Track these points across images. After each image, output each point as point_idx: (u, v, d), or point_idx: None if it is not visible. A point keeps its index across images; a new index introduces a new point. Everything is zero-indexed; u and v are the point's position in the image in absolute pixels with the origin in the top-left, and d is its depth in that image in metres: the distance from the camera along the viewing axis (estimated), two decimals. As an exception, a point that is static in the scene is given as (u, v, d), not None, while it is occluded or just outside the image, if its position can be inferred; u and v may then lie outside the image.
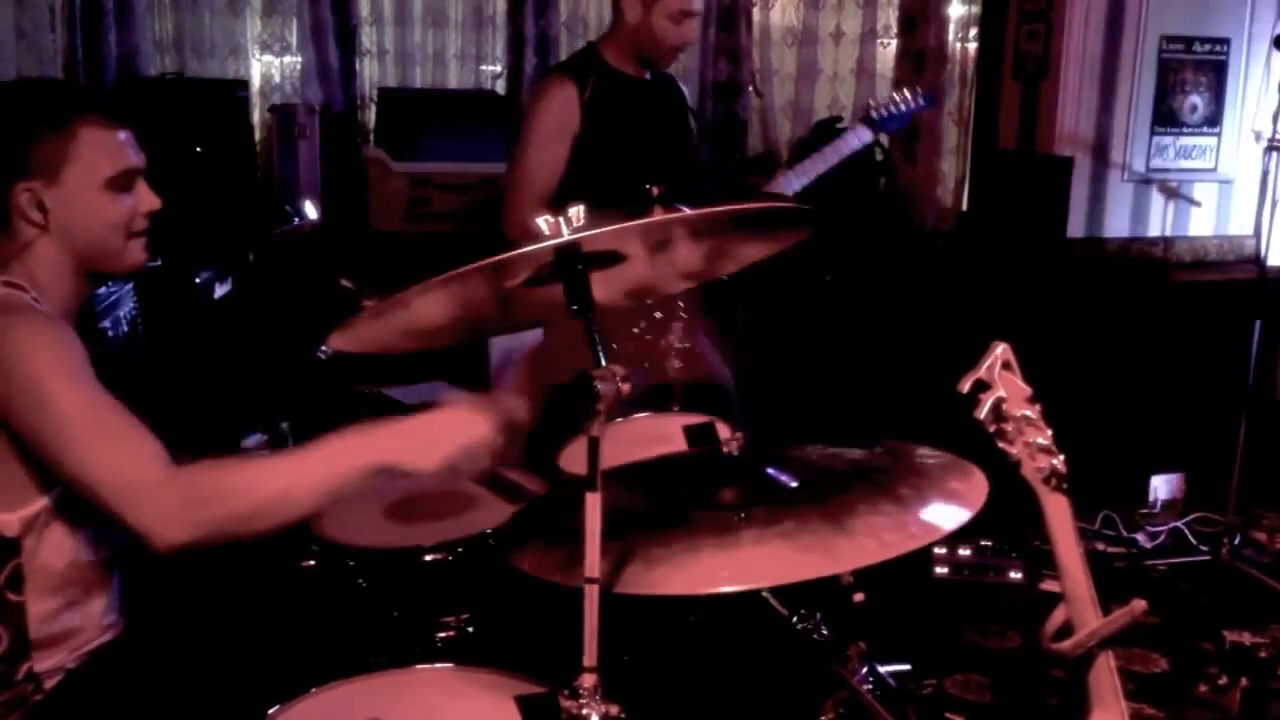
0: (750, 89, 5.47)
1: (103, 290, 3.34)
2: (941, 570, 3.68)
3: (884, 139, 5.33)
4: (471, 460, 1.58)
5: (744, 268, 1.67)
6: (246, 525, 1.56)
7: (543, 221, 1.34)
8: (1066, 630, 1.52)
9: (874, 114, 3.57)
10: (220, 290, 4.04)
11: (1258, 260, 4.17)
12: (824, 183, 3.44)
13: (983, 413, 1.50)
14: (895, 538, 1.46)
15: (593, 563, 1.33)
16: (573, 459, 2.14)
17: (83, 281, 1.80)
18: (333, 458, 1.58)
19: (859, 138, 3.52)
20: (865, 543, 1.46)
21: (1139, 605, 1.95)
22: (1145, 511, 4.32)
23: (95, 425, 1.58)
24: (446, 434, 1.57)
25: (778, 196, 3.36)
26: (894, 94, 3.65)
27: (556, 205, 3.26)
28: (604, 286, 1.45)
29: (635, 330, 2.61)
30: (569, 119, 3.17)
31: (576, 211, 1.35)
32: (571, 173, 3.17)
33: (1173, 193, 4.43)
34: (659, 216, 1.54)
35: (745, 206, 1.47)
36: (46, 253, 1.73)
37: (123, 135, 1.78)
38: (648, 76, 3.33)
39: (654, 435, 2.16)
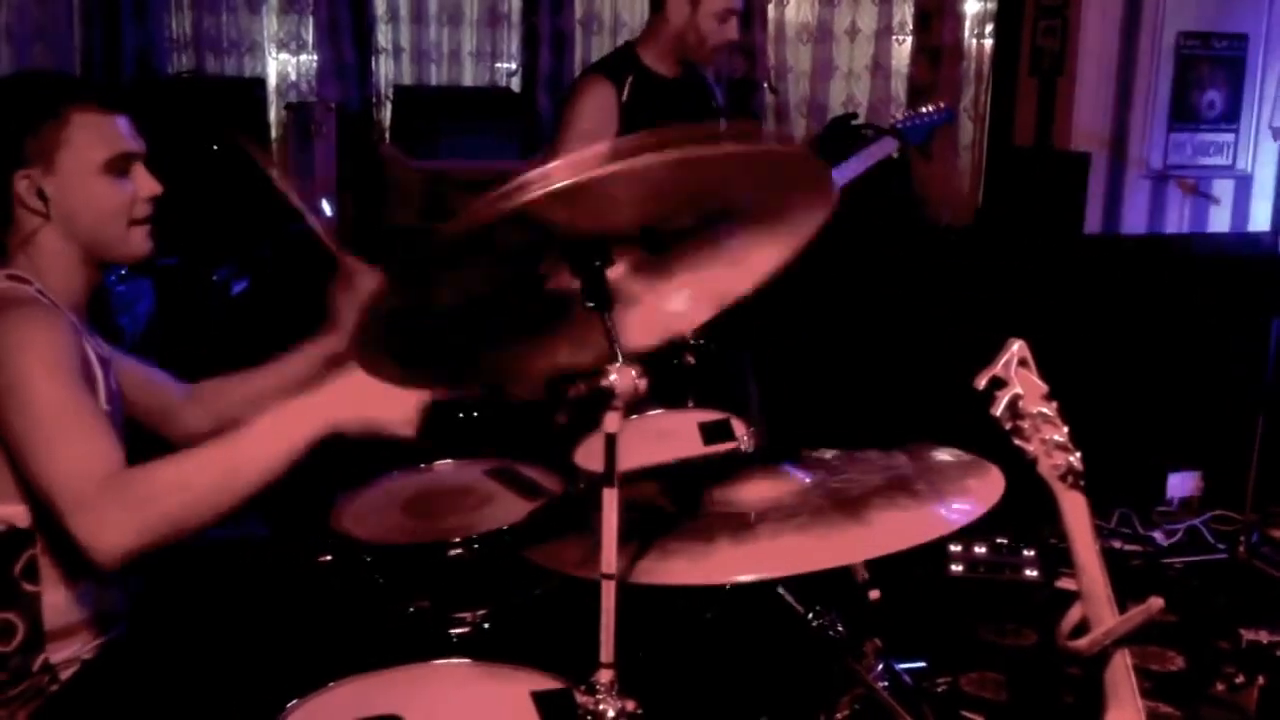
0: (765, 86, 5.47)
1: (123, 287, 3.36)
2: (957, 568, 3.67)
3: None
4: (398, 411, 1.62)
5: (760, 279, 1.57)
6: (191, 519, 1.56)
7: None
8: (1083, 628, 1.51)
9: (899, 125, 3.65)
10: (237, 287, 4.06)
11: (1276, 256, 4.15)
12: (847, 191, 3.46)
13: (999, 410, 1.50)
14: (911, 529, 1.45)
15: (610, 559, 1.33)
16: (588, 456, 2.14)
17: (90, 271, 1.80)
18: (270, 436, 1.60)
19: (883, 148, 3.57)
20: (880, 533, 1.46)
21: (1155, 603, 1.94)
22: (1162, 509, 4.30)
23: (54, 426, 1.57)
24: (370, 387, 1.55)
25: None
26: (918, 106, 3.75)
27: None
28: (636, 328, 1.43)
29: None
30: (607, 120, 3.14)
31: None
32: None
33: (1190, 189, 4.41)
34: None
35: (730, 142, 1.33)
36: (50, 242, 1.74)
37: (118, 121, 1.79)
38: (681, 76, 3.32)
39: (669, 432, 2.17)
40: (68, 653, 1.74)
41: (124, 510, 1.52)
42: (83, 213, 1.75)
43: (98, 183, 1.75)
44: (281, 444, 1.60)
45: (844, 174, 3.46)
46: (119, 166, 1.77)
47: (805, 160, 1.38)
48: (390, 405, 1.62)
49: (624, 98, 3.17)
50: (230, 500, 1.58)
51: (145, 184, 1.81)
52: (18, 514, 1.67)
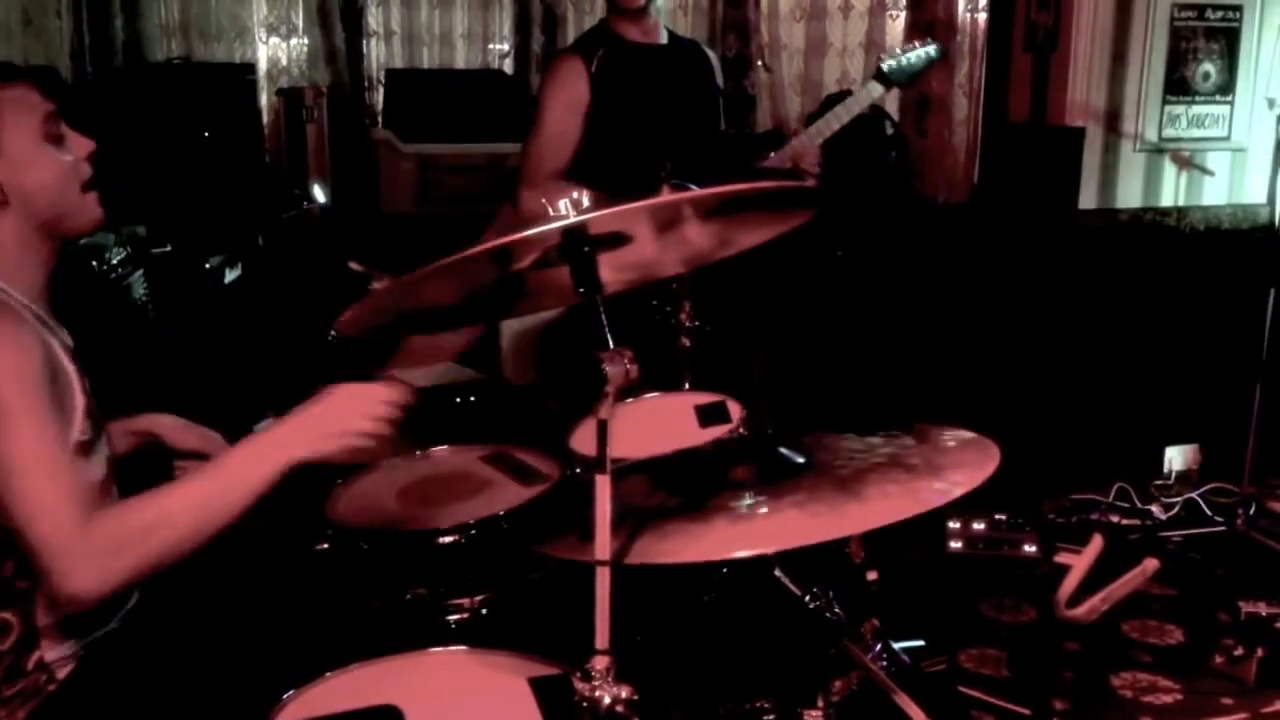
0: (759, 64, 5.44)
1: (114, 276, 3.35)
2: (955, 545, 3.68)
3: (895, 117, 5.32)
4: (367, 438, 1.64)
5: (754, 247, 1.66)
6: (169, 556, 1.58)
7: (562, 204, 1.34)
8: (1079, 598, 1.51)
9: (884, 66, 3.46)
10: (230, 275, 4.05)
11: (1272, 229, 4.14)
12: (838, 141, 3.41)
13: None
14: (906, 502, 1.45)
15: (603, 545, 1.33)
16: (584, 440, 2.14)
17: (49, 251, 1.77)
18: (241, 472, 1.63)
19: (870, 93, 3.45)
20: (876, 506, 1.45)
21: (1150, 564, 1.94)
22: (1160, 483, 4.31)
23: (20, 477, 1.55)
24: (338, 417, 1.64)
25: (785, 173, 3.34)
26: (903, 45, 3.54)
27: (573, 180, 3.25)
28: (611, 268, 1.45)
29: None
30: (577, 93, 3.18)
31: (581, 194, 1.34)
32: (586, 147, 3.18)
33: (1185, 162, 4.40)
34: (666, 197, 1.53)
35: (752, 186, 1.46)
36: (9, 228, 1.71)
37: (32, 88, 1.76)
38: (662, 42, 3.31)
39: (664, 415, 2.16)
40: (61, 650, 1.73)
41: (97, 559, 1.54)
42: (39, 188, 1.72)
43: (43, 154, 1.73)
44: (251, 481, 1.62)
45: (831, 125, 3.39)
46: (53, 133, 1.75)
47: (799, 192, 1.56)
48: (348, 422, 1.64)
49: (593, 69, 3.18)
50: (205, 536, 1.60)
51: (79, 143, 1.79)
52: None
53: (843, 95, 5.22)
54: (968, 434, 1.70)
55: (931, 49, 3.50)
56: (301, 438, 1.64)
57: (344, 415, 1.65)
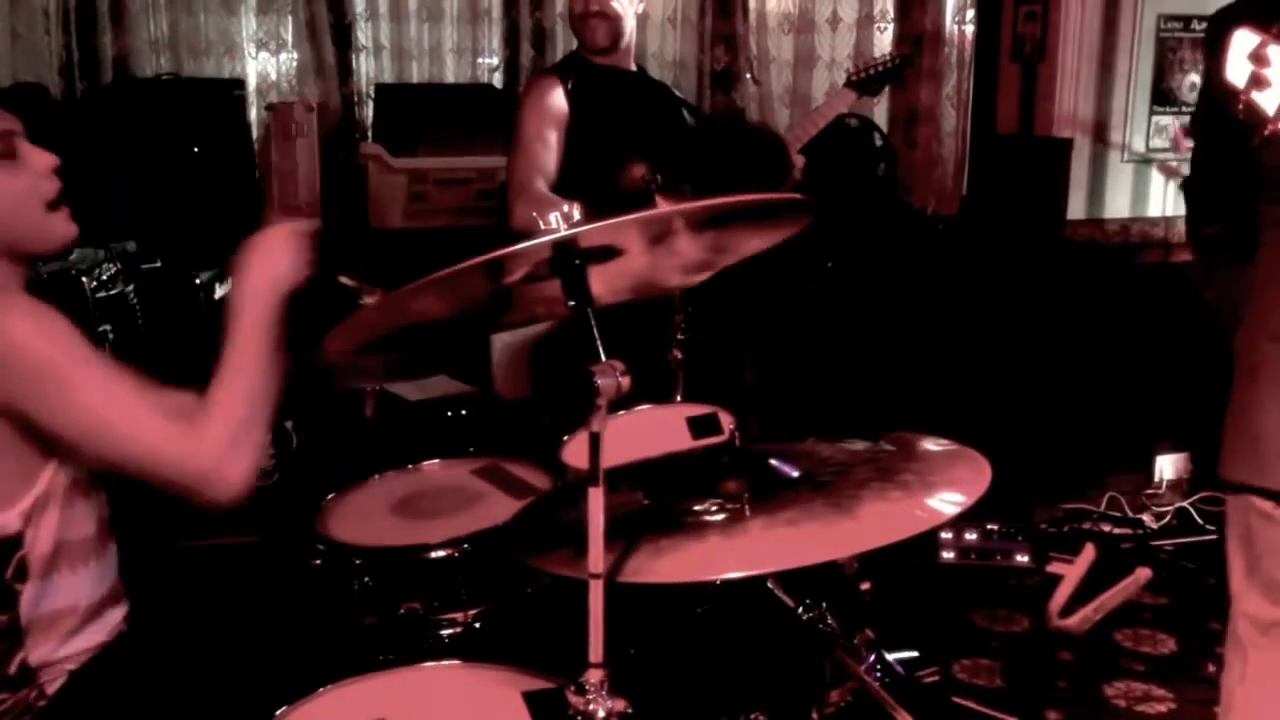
0: (748, 76, 5.45)
1: (103, 293, 3.34)
2: (948, 555, 3.68)
3: (881, 121, 5.33)
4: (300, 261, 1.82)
5: (744, 259, 1.67)
6: (267, 417, 1.72)
7: (552, 217, 1.35)
8: (1072, 607, 1.51)
9: (855, 77, 3.70)
10: (221, 290, 4.04)
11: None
12: (827, 153, 3.55)
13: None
14: (901, 522, 1.45)
15: (596, 558, 1.33)
16: (576, 453, 2.14)
17: (19, 270, 1.71)
18: (260, 328, 1.77)
19: (842, 100, 3.66)
20: (871, 527, 1.45)
21: (1143, 573, 1.92)
22: (1151, 492, 4.32)
23: (116, 417, 1.62)
24: (274, 261, 1.81)
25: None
26: (871, 57, 3.83)
27: (559, 195, 3.28)
28: (605, 281, 1.45)
29: None
30: (556, 108, 3.24)
31: (573, 208, 1.35)
32: (568, 162, 3.21)
33: (1173, 172, 4.42)
34: (658, 209, 1.53)
35: (741, 198, 1.46)
36: None
37: None
38: (633, 69, 3.41)
39: (656, 427, 2.16)
40: (45, 650, 1.71)
41: (230, 457, 1.65)
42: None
43: None
44: (268, 329, 1.77)
45: (805, 130, 3.54)
46: (5, 149, 1.67)
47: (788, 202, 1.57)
48: (282, 259, 1.81)
49: (570, 86, 3.26)
50: (271, 382, 1.74)
51: (38, 158, 1.71)
52: (8, 520, 1.65)
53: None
54: (954, 445, 1.70)
55: (897, 59, 3.79)
56: (266, 286, 1.79)
57: (278, 257, 1.81)
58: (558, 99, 3.24)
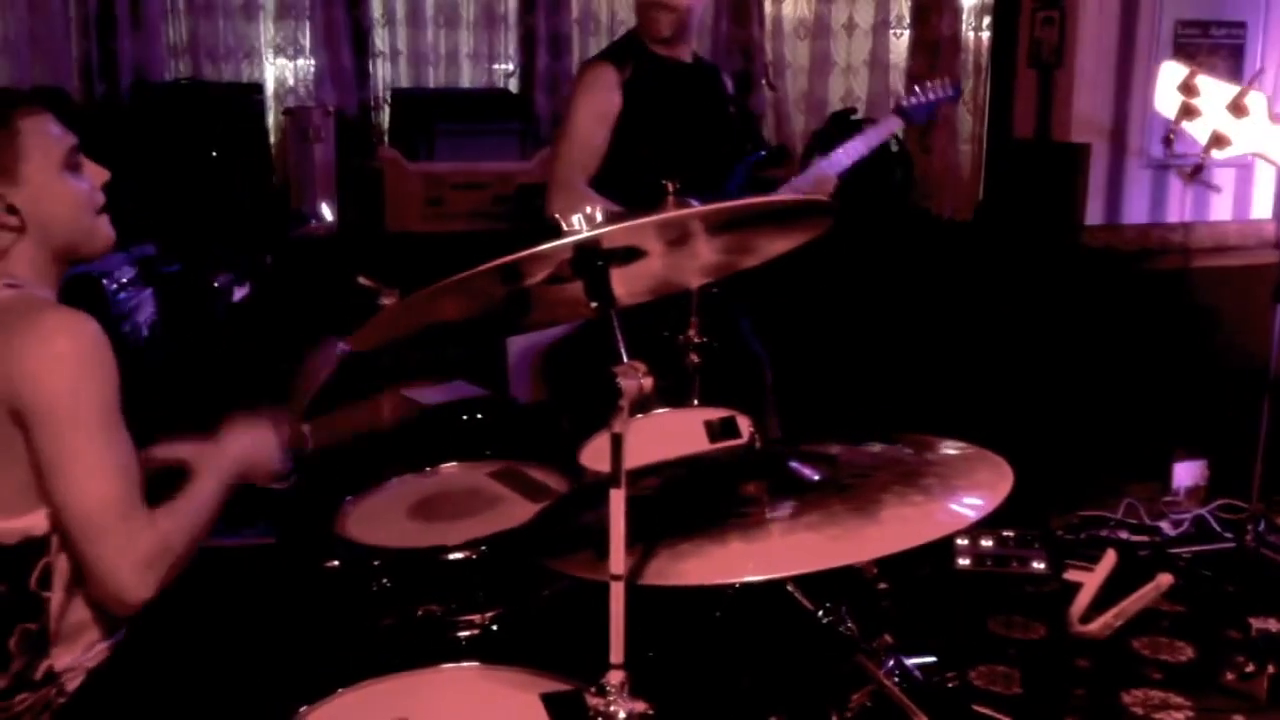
0: (764, 82, 5.46)
1: (123, 295, 3.36)
2: (964, 562, 3.67)
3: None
4: (268, 465, 1.91)
5: (765, 261, 1.67)
6: (187, 558, 1.73)
7: (575, 218, 1.35)
8: (1092, 613, 1.50)
9: (904, 103, 3.64)
10: (239, 293, 4.06)
11: (1278, 244, 4.14)
12: (852, 173, 3.50)
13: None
14: (923, 526, 1.45)
15: (618, 559, 1.33)
16: (595, 456, 2.14)
17: (60, 270, 1.81)
18: (217, 490, 1.80)
19: (888, 127, 3.60)
20: (892, 531, 1.45)
21: (1164, 579, 1.92)
22: (1168, 499, 4.29)
23: (103, 460, 1.64)
24: (258, 459, 1.90)
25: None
26: (922, 84, 3.69)
27: (599, 188, 3.27)
28: (624, 282, 1.45)
29: None
30: (610, 100, 3.19)
31: (595, 209, 1.35)
32: (613, 155, 3.18)
33: (1191, 178, 4.40)
34: (673, 212, 1.53)
35: (762, 200, 1.47)
36: (25, 253, 1.74)
37: (52, 117, 1.79)
38: (687, 60, 3.33)
39: (674, 430, 2.16)
40: (70, 659, 1.73)
41: (159, 571, 1.67)
42: (57, 217, 1.75)
43: (62, 183, 1.76)
44: (221, 495, 1.81)
45: (850, 154, 3.46)
46: (72, 161, 1.78)
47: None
48: (266, 452, 1.90)
49: (626, 76, 3.20)
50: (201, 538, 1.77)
51: (95, 172, 1.84)
52: (36, 522, 1.66)
53: (847, 113, 5.28)
54: (973, 449, 1.70)
55: (951, 90, 3.69)
56: (241, 467, 1.86)
57: (261, 457, 1.90)
58: (612, 92, 3.19)
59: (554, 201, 3.13)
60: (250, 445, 1.89)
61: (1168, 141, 1.49)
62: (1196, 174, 1.50)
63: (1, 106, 1.74)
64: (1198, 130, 1.46)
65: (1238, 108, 2.13)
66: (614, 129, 3.19)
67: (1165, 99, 1.48)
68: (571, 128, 3.23)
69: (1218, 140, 2.02)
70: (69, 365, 1.62)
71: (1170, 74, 1.47)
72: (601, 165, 3.19)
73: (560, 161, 3.23)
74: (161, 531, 1.67)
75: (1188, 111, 1.47)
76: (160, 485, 1.77)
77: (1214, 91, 1.92)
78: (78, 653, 1.74)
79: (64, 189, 1.76)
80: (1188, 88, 1.44)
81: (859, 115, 5.36)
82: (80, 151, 1.81)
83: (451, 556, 2.00)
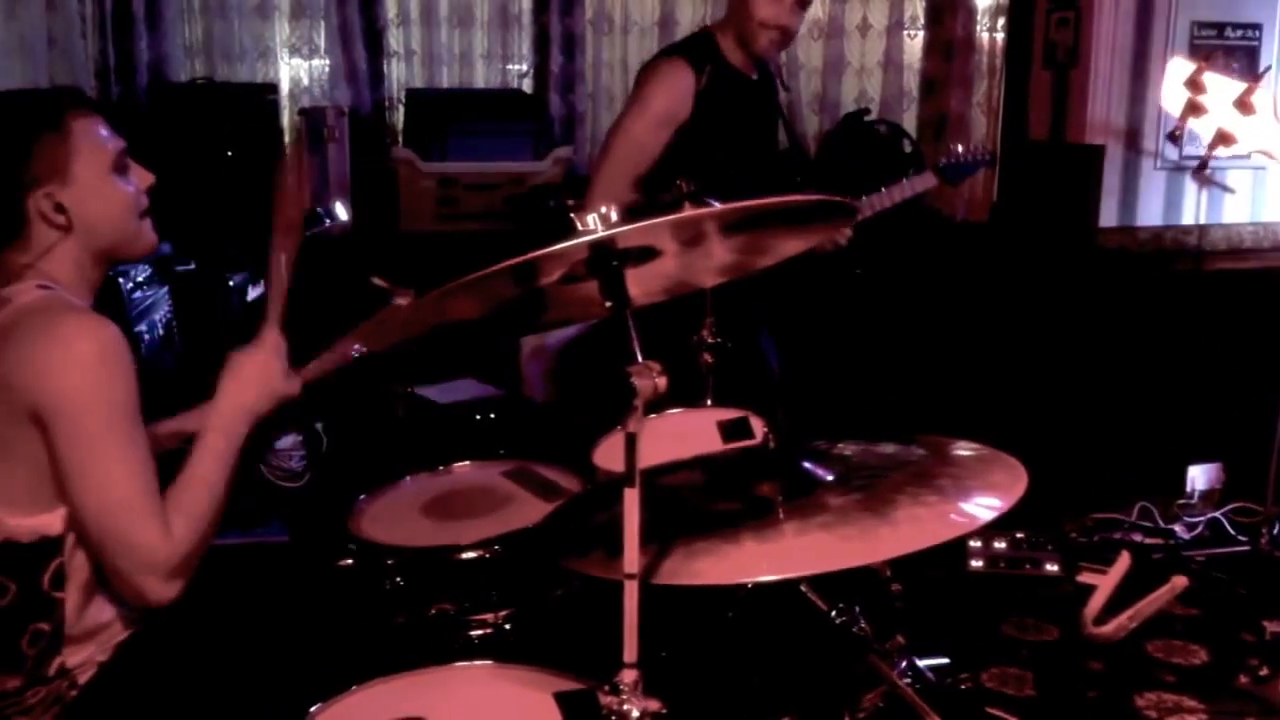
0: (777, 83, 5.45)
1: (139, 294, 3.38)
2: (977, 563, 3.66)
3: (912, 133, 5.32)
4: (276, 378, 1.90)
5: (779, 261, 1.67)
6: (211, 533, 1.75)
7: (590, 218, 1.35)
8: (1106, 615, 1.50)
9: (942, 162, 3.66)
10: (253, 293, 4.06)
11: (1293, 246, 4.13)
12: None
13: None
14: (937, 526, 1.45)
15: (632, 558, 1.33)
16: (608, 455, 2.14)
17: (100, 274, 1.84)
18: (226, 448, 1.80)
19: (923, 182, 3.58)
20: (907, 531, 1.45)
21: (1179, 582, 1.91)
22: (1183, 502, 4.28)
23: (129, 465, 1.65)
24: (253, 388, 1.87)
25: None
26: (961, 146, 3.70)
27: (648, 189, 3.23)
28: (640, 282, 1.45)
29: None
30: (681, 107, 3.12)
31: (610, 209, 1.35)
32: (666, 161, 3.11)
33: (1206, 180, 4.39)
34: (686, 213, 1.53)
35: (775, 201, 1.46)
36: (69, 253, 1.75)
37: (102, 120, 1.81)
38: (755, 77, 3.30)
39: (687, 431, 2.16)
40: (83, 655, 1.74)
41: (192, 560, 1.70)
42: (103, 217, 1.77)
43: (110, 185, 1.77)
44: (234, 451, 1.81)
45: (881, 201, 3.48)
46: (121, 164, 1.80)
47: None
48: (271, 377, 1.89)
49: (702, 85, 3.14)
50: (222, 504, 1.77)
51: (143, 175, 1.86)
52: (50, 522, 1.67)
53: (861, 114, 5.27)
54: (986, 450, 1.69)
55: (986, 156, 3.72)
56: (244, 413, 1.84)
57: (256, 384, 1.87)
58: (685, 99, 3.12)
59: (592, 200, 3.07)
60: (247, 378, 1.87)
61: (1174, 138, 1.49)
62: (1202, 170, 1.49)
63: (54, 107, 1.76)
64: (1204, 127, 1.45)
65: (1244, 105, 2.12)
66: (677, 133, 3.12)
67: (1172, 95, 1.48)
68: (633, 124, 3.15)
69: (1223, 137, 2.01)
70: (89, 368, 1.63)
71: (1177, 70, 1.46)
72: (661, 167, 3.10)
73: (611, 159, 3.16)
74: (178, 533, 1.67)
75: (1194, 108, 1.46)
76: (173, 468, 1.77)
77: (1220, 88, 1.91)
78: (93, 649, 1.75)
79: (112, 191, 1.77)
80: (1194, 83, 1.44)
81: (872, 116, 5.35)
82: (128, 155, 1.83)
83: (465, 555, 2.00)
